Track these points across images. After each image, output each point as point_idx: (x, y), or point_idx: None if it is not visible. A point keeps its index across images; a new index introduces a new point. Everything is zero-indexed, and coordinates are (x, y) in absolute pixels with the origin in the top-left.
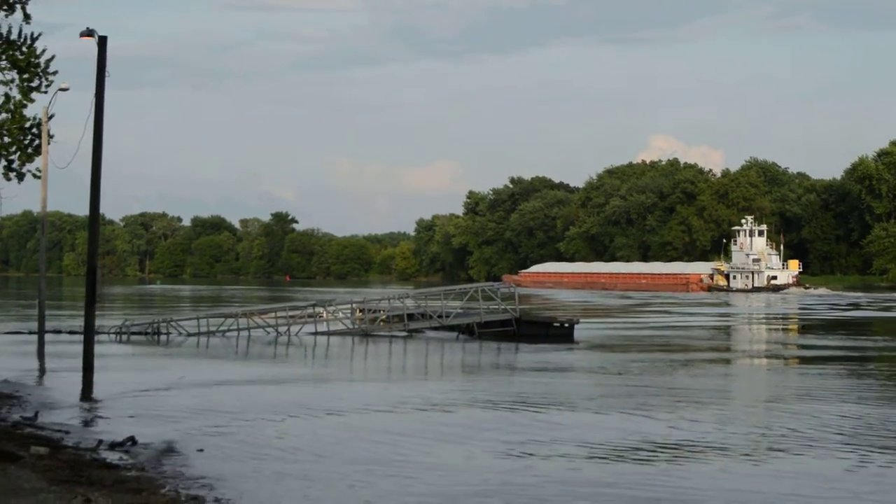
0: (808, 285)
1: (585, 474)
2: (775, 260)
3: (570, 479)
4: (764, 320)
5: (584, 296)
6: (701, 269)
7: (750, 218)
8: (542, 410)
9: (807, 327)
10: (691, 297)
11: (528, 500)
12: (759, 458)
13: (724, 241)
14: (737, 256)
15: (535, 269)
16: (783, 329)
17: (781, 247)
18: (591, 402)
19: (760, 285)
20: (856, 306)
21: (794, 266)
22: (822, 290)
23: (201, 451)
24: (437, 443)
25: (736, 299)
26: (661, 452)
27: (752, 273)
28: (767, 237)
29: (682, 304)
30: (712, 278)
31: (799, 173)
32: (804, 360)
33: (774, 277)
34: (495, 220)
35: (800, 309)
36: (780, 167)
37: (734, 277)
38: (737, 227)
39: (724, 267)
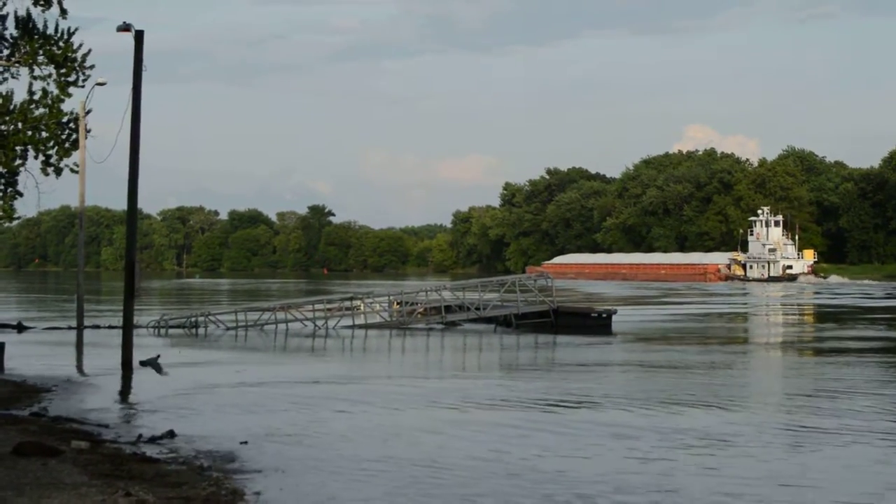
0: (822, 274)
1: None
2: (791, 250)
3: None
4: (780, 308)
5: (606, 286)
6: (718, 259)
7: (766, 208)
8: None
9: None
10: (710, 287)
11: None
12: None
13: (741, 231)
14: (753, 246)
15: (557, 260)
16: (799, 317)
17: (797, 236)
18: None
19: (776, 274)
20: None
21: (809, 256)
22: (838, 279)
23: (243, 443)
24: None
25: (752, 288)
26: None
27: (768, 262)
28: (802, 227)
29: (703, 293)
30: (729, 268)
31: (836, 162)
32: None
33: (790, 267)
34: (532, 211)
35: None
36: (816, 156)
37: (750, 267)
38: (753, 218)
39: (740, 257)
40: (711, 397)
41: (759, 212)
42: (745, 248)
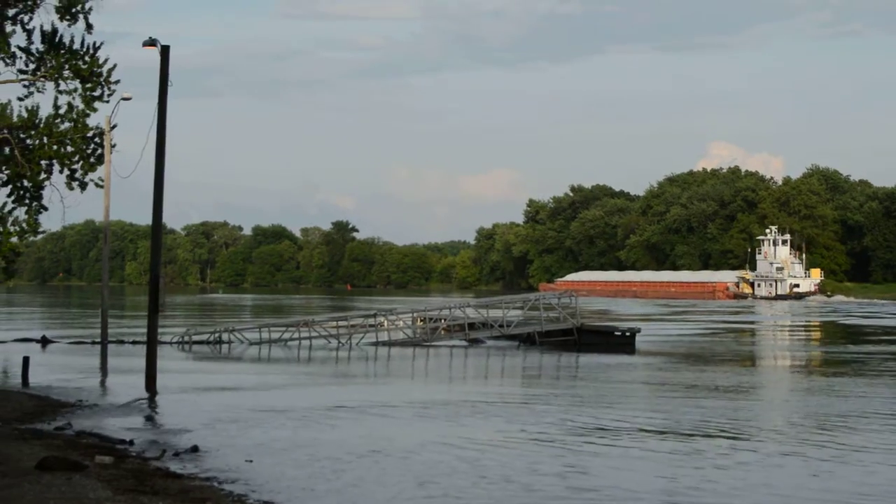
0: (829, 293)
1: None
2: (798, 268)
3: None
4: (788, 326)
5: (618, 304)
6: (727, 277)
7: (774, 228)
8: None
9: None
10: (719, 305)
11: None
12: None
13: (749, 249)
14: (761, 265)
15: (569, 277)
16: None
17: (804, 255)
18: None
19: (783, 293)
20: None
21: (816, 274)
22: (847, 298)
23: (265, 459)
24: None
25: (760, 306)
26: None
27: (776, 281)
28: (827, 245)
29: (714, 311)
30: (738, 286)
31: (861, 181)
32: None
33: (797, 285)
34: (556, 228)
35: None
36: (841, 174)
37: (758, 285)
38: (761, 237)
39: (748, 275)
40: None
41: (767, 231)
42: (753, 267)
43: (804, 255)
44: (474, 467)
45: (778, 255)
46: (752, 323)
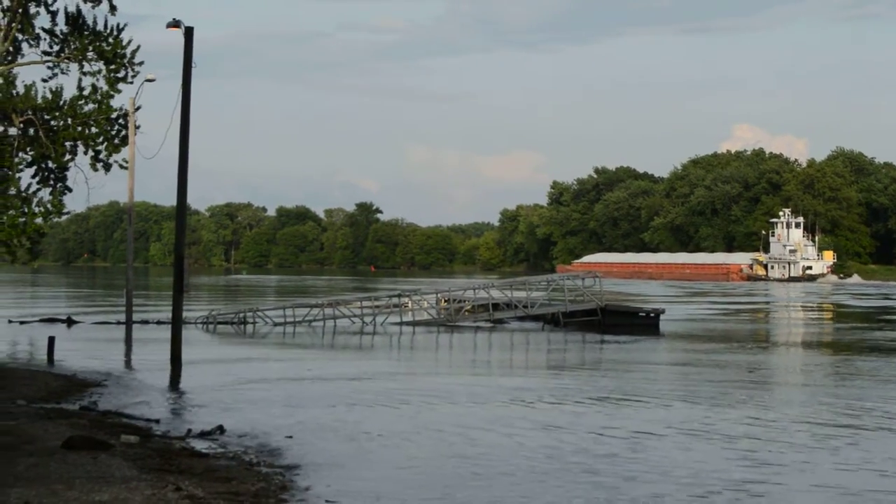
0: (841, 275)
1: None
2: (811, 251)
3: None
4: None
5: (634, 286)
6: (741, 259)
7: (787, 210)
8: None
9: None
10: (734, 287)
11: None
12: None
13: (763, 232)
14: (774, 247)
15: (586, 259)
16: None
17: (816, 237)
18: None
19: (796, 275)
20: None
21: (829, 257)
22: (864, 280)
23: (290, 438)
24: None
25: (774, 288)
26: None
27: (789, 263)
28: (851, 228)
29: (729, 293)
30: (752, 268)
31: (885, 163)
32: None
33: (809, 267)
34: (580, 210)
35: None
36: (866, 156)
37: (772, 267)
38: (774, 220)
39: (762, 257)
40: None
41: (781, 213)
42: (767, 249)
43: (817, 238)
44: (523, 447)
45: (791, 238)
46: (765, 303)
